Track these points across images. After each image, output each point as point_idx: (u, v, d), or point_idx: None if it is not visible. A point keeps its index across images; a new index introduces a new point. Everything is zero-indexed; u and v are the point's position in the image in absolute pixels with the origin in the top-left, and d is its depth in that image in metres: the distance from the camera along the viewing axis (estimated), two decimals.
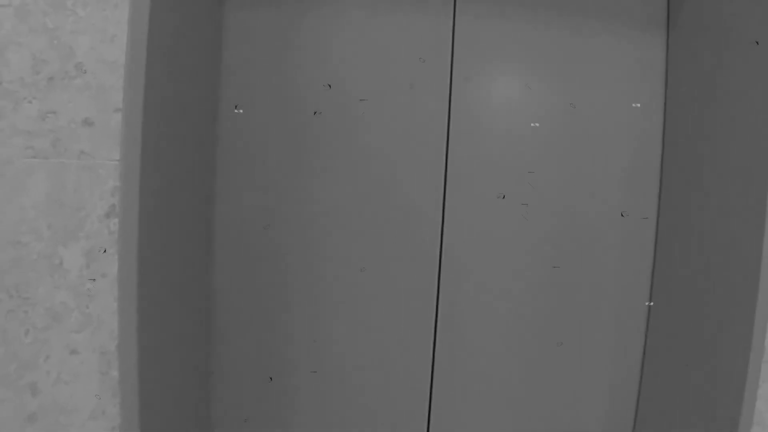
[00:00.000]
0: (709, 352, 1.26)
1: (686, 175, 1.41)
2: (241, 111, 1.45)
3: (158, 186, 1.13)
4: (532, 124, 1.55)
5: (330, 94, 1.49)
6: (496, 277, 1.56)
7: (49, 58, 1.12)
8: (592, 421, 1.58)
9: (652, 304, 1.51)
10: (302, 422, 1.53)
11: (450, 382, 1.58)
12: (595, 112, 1.53)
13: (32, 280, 1.13)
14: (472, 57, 1.53)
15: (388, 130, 1.51)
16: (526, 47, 1.55)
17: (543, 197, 1.56)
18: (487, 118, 1.55)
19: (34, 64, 1.12)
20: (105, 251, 1.11)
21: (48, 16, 1.12)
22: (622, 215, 1.56)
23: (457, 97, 1.52)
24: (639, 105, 1.52)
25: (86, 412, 1.16)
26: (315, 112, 1.48)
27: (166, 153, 1.15)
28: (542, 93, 1.55)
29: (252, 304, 1.50)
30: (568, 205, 1.56)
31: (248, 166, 1.45)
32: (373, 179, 1.51)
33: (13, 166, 1.11)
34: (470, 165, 1.55)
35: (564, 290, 1.56)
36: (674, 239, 1.45)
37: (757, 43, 1.18)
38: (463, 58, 1.52)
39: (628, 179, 1.54)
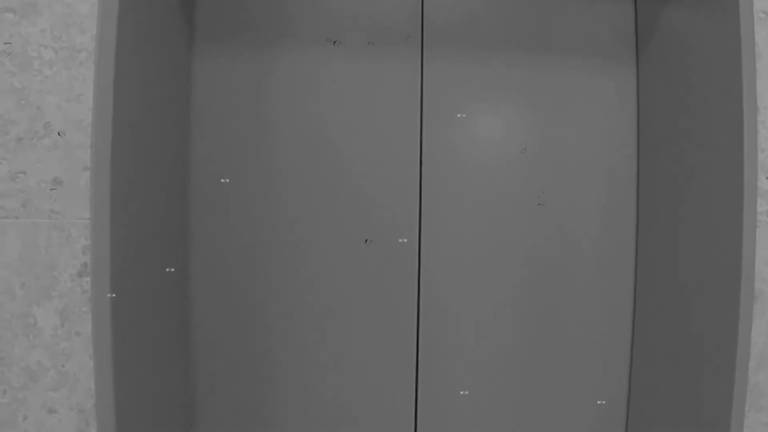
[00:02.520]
0: (696, 351, 1.26)
1: (662, 201, 1.41)
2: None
3: (130, 243, 1.12)
4: (504, 159, 1.56)
5: (306, 141, 1.49)
6: (478, 286, 1.56)
7: (17, 118, 1.12)
8: (583, 426, 1.58)
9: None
10: None
11: (435, 384, 1.57)
12: (569, 144, 1.54)
13: (8, 340, 1.13)
14: (441, 100, 1.54)
15: (364, 170, 1.51)
16: (498, 87, 1.55)
17: (520, 227, 1.56)
18: (459, 154, 1.55)
19: (2, 124, 1.12)
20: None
21: (15, 77, 1.12)
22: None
23: (428, 137, 1.53)
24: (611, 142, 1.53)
25: None
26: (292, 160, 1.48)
27: (137, 210, 1.15)
28: (516, 130, 1.55)
29: (233, 354, 1.50)
30: (547, 237, 1.56)
31: (223, 221, 1.45)
32: (349, 216, 1.51)
33: None
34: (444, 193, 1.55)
35: (547, 311, 1.56)
36: (653, 268, 1.44)
37: None
38: (432, 102, 1.52)
39: (606, 204, 1.54)
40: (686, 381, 1.29)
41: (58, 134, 1.11)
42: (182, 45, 1.39)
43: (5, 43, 1.12)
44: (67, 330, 1.12)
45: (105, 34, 1.08)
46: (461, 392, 1.59)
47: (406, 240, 1.53)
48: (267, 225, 1.45)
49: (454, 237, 1.56)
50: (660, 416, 1.37)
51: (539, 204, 1.55)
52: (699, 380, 1.25)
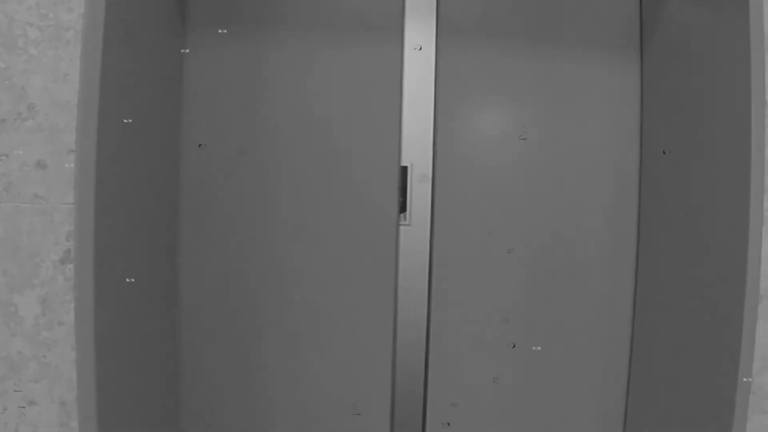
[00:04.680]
0: (699, 352, 1.23)
1: (665, 197, 1.38)
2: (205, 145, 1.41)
3: (115, 230, 1.09)
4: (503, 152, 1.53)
5: (301, 130, 1.46)
6: (480, 285, 1.53)
7: (1, 98, 1.08)
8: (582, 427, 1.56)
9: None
10: None
11: (437, 386, 1.55)
12: (574, 138, 1.51)
13: None
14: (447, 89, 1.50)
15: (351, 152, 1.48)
16: (503, 77, 1.52)
17: (525, 225, 1.53)
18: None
19: None
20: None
21: None
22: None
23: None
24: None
25: None
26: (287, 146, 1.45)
27: (123, 195, 1.11)
28: (519, 121, 1.52)
29: (220, 346, 1.46)
30: (552, 226, 1.53)
31: (213, 210, 1.42)
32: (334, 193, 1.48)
33: None
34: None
35: (548, 307, 1.54)
36: (655, 266, 1.42)
37: None
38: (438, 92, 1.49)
39: (608, 199, 1.51)
40: (688, 383, 1.26)
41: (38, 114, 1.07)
42: (173, 28, 1.35)
43: None
44: (48, 319, 1.08)
45: (93, 11, 1.04)
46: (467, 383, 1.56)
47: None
48: (259, 215, 1.42)
49: (458, 227, 1.53)
50: (661, 418, 1.34)
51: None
52: (701, 382, 1.22)
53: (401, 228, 1.40)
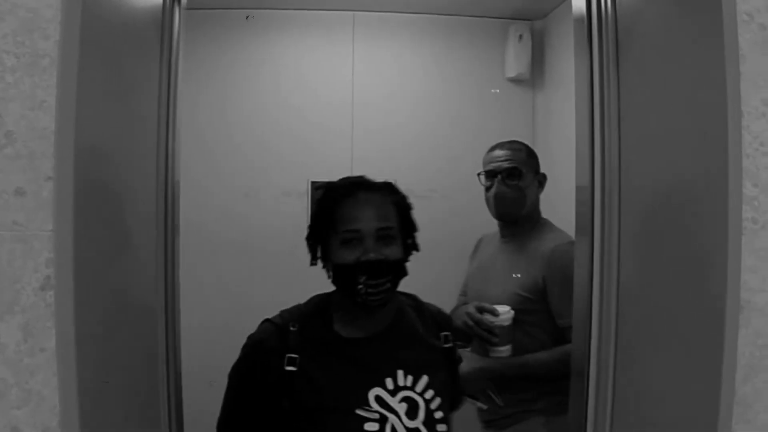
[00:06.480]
0: (681, 362, 1.23)
1: (643, 207, 1.38)
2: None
3: (95, 256, 1.09)
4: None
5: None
6: None
7: None
8: None
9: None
10: None
11: None
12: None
13: None
14: None
15: None
16: None
17: None
18: None
19: None
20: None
21: None
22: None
23: None
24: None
25: None
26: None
27: (102, 220, 1.12)
28: None
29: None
30: None
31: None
32: None
33: None
34: None
35: None
36: (634, 277, 1.42)
37: None
38: None
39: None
40: (670, 393, 1.26)
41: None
42: (151, 52, 1.36)
43: None
44: (30, 346, 1.08)
45: (68, 38, 1.05)
46: None
47: None
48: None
49: None
50: (645, 423, 1.34)
51: None
52: (684, 393, 1.22)
53: None
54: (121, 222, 1.21)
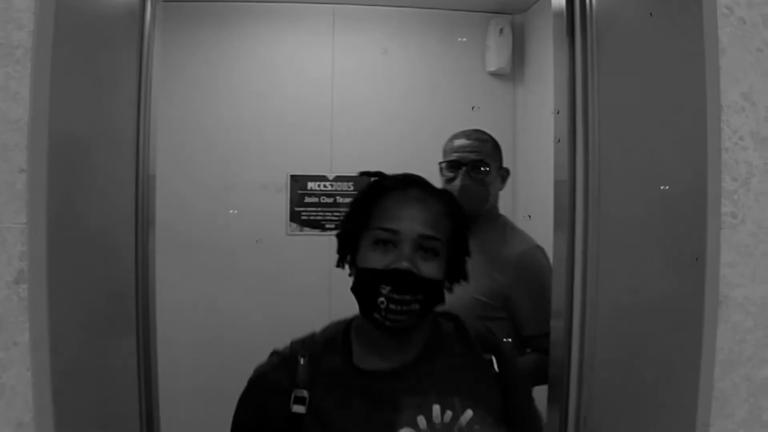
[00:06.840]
0: (659, 358, 1.23)
1: (620, 203, 1.39)
2: None
3: (69, 249, 1.08)
4: None
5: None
6: None
7: None
8: None
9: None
10: None
11: None
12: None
13: None
14: None
15: None
16: None
17: None
18: None
19: None
20: None
21: None
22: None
23: None
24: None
25: None
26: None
27: (76, 213, 1.10)
28: None
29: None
30: None
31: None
32: None
33: None
34: None
35: None
36: (612, 273, 1.42)
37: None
38: None
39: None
40: (649, 388, 1.26)
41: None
42: (128, 43, 1.34)
43: None
44: (3, 339, 1.07)
45: (43, 29, 1.03)
46: None
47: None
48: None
49: None
50: (621, 426, 1.34)
51: None
52: (662, 388, 1.23)
53: None
54: (96, 215, 1.20)
